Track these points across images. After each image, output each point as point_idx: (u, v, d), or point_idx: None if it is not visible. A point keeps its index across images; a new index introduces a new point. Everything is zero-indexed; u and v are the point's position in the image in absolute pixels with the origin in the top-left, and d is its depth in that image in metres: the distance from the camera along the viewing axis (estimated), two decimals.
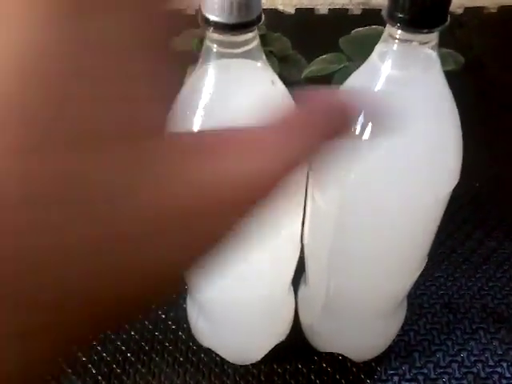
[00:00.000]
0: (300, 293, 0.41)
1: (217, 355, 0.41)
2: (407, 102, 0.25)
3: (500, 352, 0.41)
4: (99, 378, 0.40)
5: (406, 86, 0.25)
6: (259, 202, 0.13)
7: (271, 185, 0.13)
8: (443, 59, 0.50)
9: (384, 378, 0.40)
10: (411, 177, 0.26)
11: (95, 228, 0.11)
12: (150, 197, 0.12)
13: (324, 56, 0.54)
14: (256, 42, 0.24)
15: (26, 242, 0.10)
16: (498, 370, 0.40)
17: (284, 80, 0.57)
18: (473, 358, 0.41)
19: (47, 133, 0.10)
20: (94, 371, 0.40)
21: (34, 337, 0.11)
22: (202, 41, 0.26)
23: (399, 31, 0.23)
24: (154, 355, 0.41)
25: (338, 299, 0.36)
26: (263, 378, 0.40)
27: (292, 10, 0.76)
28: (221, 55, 0.24)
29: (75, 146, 0.11)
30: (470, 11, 0.76)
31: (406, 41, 0.23)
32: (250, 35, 0.23)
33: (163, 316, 0.43)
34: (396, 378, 0.40)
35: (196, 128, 0.25)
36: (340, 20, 0.73)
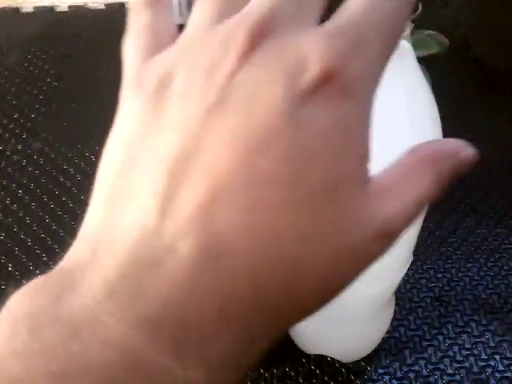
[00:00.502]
0: None
1: None
2: (380, 96, 0.23)
3: (492, 344, 0.40)
4: None
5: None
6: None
7: (402, 228, 0.15)
8: (426, 43, 0.48)
9: (374, 377, 0.39)
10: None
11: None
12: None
13: None
14: None
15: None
16: (491, 363, 0.39)
17: None
18: (465, 353, 0.40)
19: None
20: None
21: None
22: None
23: None
24: None
25: None
26: (250, 383, 0.39)
27: None
28: None
29: None
30: None
31: None
32: None
33: None
34: (387, 377, 0.39)
35: None
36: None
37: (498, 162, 0.52)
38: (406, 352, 0.40)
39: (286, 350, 0.40)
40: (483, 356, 0.39)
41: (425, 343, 0.40)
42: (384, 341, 0.40)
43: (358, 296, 0.32)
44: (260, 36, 0.14)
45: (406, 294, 0.43)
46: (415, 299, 0.43)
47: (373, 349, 0.39)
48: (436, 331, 0.41)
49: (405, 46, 0.23)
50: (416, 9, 0.21)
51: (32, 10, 0.74)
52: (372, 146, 0.23)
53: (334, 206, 0.14)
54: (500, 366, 0.39)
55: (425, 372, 0.39)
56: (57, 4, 0.74)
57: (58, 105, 0.61)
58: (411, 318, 0.42)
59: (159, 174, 0.14)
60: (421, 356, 0.40)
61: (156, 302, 0.12)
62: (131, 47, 0.17)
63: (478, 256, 0.45)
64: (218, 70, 0.14)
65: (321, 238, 0.14)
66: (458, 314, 0.42)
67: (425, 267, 0.45)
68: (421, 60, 0.27)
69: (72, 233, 0.55)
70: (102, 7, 0.74)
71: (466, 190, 0.50)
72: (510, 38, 0.65)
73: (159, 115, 0.15)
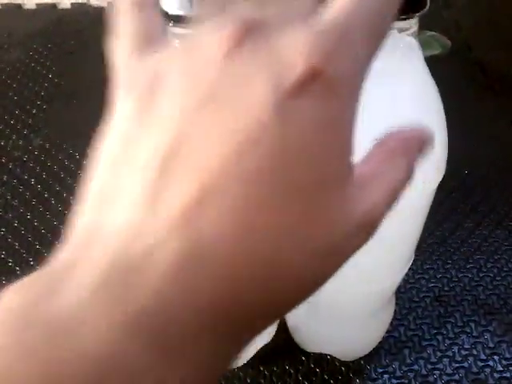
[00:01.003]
0: None
1: None
2: (387, 92, 0.23)
3: (491, 345, 0.40)
4: None
5: (385, 76, 0.23)
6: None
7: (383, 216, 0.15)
8: (429, 43, 0.48)
9: (374, 376, 0.39)
10: None
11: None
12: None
13: None
14: None
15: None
16: (490, 363, 0.39)
17: None
18: (464, 353, 0.40)
19: None
20: None
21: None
22: None
23: None
24: None
25: (322, 299, 0.34)
26: (249, 381, 0.39)
27: None
28: None
29: None
30: None
31: None
32: None
33: None
34: (386, 376, 0.39)
35: None
36: None
37: (498, 164, 0.52)
38: (406, 351, 0.40)
39: (285, 348, 0.40)
40: (482, 356, 0.39)
41: (424, 343, 0.40)
42: (384, 340, 0.40)
43: (360, 295, 0.33)
44: (248, 34, 0.14)
45: (405, 294, 0.43)
46: (415, 299, 0.43)
47: (372, 348, 0.39)
48: (435, 331, 0.41)
49: (412, 43, 0.23)
50: (424, 5, 0.21)
51: (34, 6, 0.74)
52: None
53: (318, 205, 0.14)
54: (499, 366, 0.39)
55: (424, 371, 0.39)
56: (59, 1, 0.75)
57: (59, 101, 0.61)
58: (411, 317, 0.42)
59: (148, 173, 0.14)
60: (420, 355, 0.40)
61: (139, 303, 0.12)
62: (121, 48, 0.17)
63: (477, 257, 0.45)
64: (207, 67, 0.14)
65: (302, 238, 0.14)
66: (457, 315, 0.42)
67: (425, 267, 0.45)
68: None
69: None
70: (105, 5, 0.74)
71: (466, 192, 0.50)
72: (511, 41, 0.65)
73: (150, 114, 0.15)
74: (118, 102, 0.16)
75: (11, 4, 0.74)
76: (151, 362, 0.12)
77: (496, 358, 0.39)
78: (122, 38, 0.17)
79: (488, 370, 0.39)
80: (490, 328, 0.41)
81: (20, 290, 0.13)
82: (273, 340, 0.39)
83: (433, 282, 0.44)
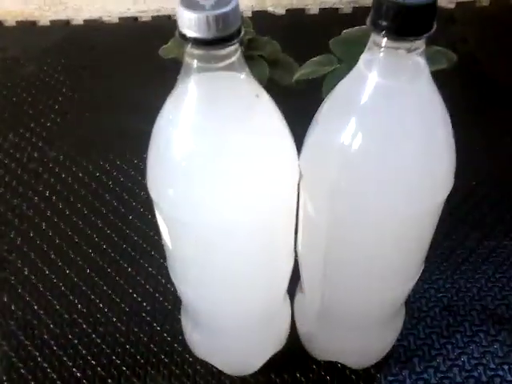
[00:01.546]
0: (296, 301, 0.40)
1: (213, 367, 0.40)
2: (396, 111, 0.24)
3: (501, 354, 0.40)
4: None
5: (394, 95, 0.24)
6: None
7: None
8: (435, 58, 0.49)
9: None
10: (403, 186, 0.25)
11: None
12: None
13: (315, 58, 0.53)
14: (237, 55, 0.23)
15: None
16: (500, 373, 0.39)
17: (275, 84, 0.56)
18: (473, 362, 0.40)
19: None
20: None
21: None
22: None
23: (384, 39, 0.22)
24: (149, 368, 0.40)
25: (334, 307, 0.35)
26: None
27: (282, 11, 0.75)
28: (202, 69, 0.24)
29: None
30: (462, 6, 0.75)
31: (391, 48, 0.23)
32: (230, 49, 0.22)
33: (158, 328, 0.43)
34: None
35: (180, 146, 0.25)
36: (331, 19, 0.73)
37: (506, 176, 0.53)
38: (415, 360, 0.40)
39: (296, 357, 0.40)
40: (492, 366, 0.40)
41: (434, 352, 0.41)
42: (394, 349, 0.40)
43: (372, 303, 0.33)
44: None
45: (415, 304, 0.43)
46: (424, 309, 0.43)
47: (383, 357, 0.40)
48: (445, 340, 0.41)
49: (420, 63, 0.24)
50: (431, 26, 0.22)
51: (48, 23, 0.76)
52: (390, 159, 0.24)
53: None
54: (509, 375, 0.39)
55: (434, 380, 0.39)
56: (72, 18, 0.76)
57: (72, 115, 0.62)
58: (420, 327, 0.42)
59: None
60: (430, 364, 0.40)
61: None
62: None
63: (486, 267, 0.46)
64: None
65: None
66: (466, 324, 0.42)
67: (433, 278, 0.45)
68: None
69: (86, 239, 0.56)
70: (116, 21, 0.76)
71: (473, 203, 0.50)
72: None
73: None
74: None
75: (26, 21, 0.76)
76: None
77: (506, 367, 0.40)
78: None
79: (498, 379, 0.39)
80: (499, 338, 0.41)
81: None
82: (284, 348, 0.40)
83: (442, 292, 0.44)
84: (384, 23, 0.21)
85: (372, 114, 0.24)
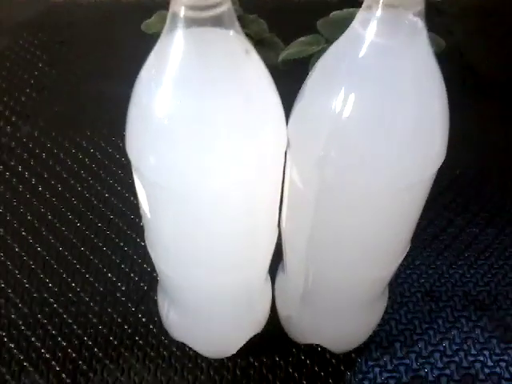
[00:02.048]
0: (277, 282, 0.39)
1: (190, 349, 0.39)
2: (392, 73, 0.23)
3: (482, 340, 0.40)
4: (63, 375, 0.37)
5: (390, 55, 0.23)
6: None
7: None
8: None
9: (365, 369, 0.38)
10: (395, 154, 0.24)
11: None
12: None
13: (302, 38, 0.52)
14: (227, 6, 0.22)
15: None
16: (480, 358, 0.39)
17: None
18: (455, 347, 0.40)
19: None
20: (57, 368, 0.38)
21: None
22: None
23: None
24: (122, 350, 0.39)
25: (317, 288, 0.34)
26: (239, 372, 0.38)
27: None
28: (189, 22, 0.22)
29: None
30: None
31: (390, 6, 0.22)
32: None
33: (133, 309, 0.41)
34: (377, 370, 0.38)
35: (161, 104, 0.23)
36: (318, 4, 0.71)
37: (488, 164, 0.53)
38: (397, 345, 0.40)
39: (276, 340, 0.39)
40: (473, 351, 0.39)
41: (415, 337, 0.40)
42: (375, 334, 0.40)
43: (357, 284, 0.32)
44: None
45: (397, 289, 0.43)
46: (406, 294, 0.43)
47: (364, 341, 0.39)
48: (427, 326, 0.41)
49: (419, 24, 0.23)
50: None
51: None
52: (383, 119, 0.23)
53: None
54: (489, 361, 0.39)
55: (415, 365, 0.39)
56: None
57: (49, 90, 0.60)
58: (402, 312, 0.41)
59: None
60: (411, 349, 0.39)
61: None
62: None
63: (468, 254, 0.45)
64: None
65: None
66: (448, 310, 0.42)
67: (416, 263, 0.45)
68: None
69: (60, 215, 0.54)
70: None
71: (457, 190, 0.50)
72: (501, 46, 0.66)
73: None
74: None
75: None
76: None
77: (486, 353, 0.39)
78: None
79: (478, 364, 0.39)
80: (480, 323, 0.41)
81: None
82: (263, 330, 0.39)
83: (424, 278, 0.44)
84: None
85: (366, 75, 0.23)
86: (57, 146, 0.53)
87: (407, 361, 0.39)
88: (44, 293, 0.42)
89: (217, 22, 0.22)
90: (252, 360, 0.39)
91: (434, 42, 0.51)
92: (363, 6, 0.23)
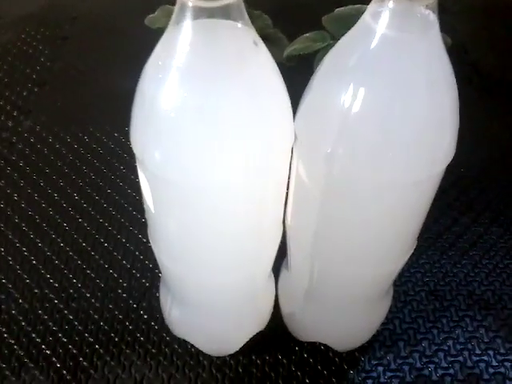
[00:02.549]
0: (281, 279, 0.38)
1: (192, 346, 0.38)
2: (403, 65, 0.23)
3: (486, 340, 0.40)
4: (64, 372, 0.37)
5: (401, 49, 0.22)
6: None
7: None
8: None
9: (368, 368, 0.38)
10: (404, 149, 0.24)
11: None
12: None
13: (307, 34, 0.51)
14: None
15: None
16: (485, 358, 0.39)
17: None
18: (459, 347, 0.39)
19: None
20: (58, 365, 0.37)
21: None
22: None
23: None
24: (123, 347, 0.38)
25: (321, 285, 0.34)
26: (241, 370, 0.38)
27: None
28: (197, 12, 0.22)
29: None
30: None
31: None
32: None
33: (134, 306, 0.41)
34: (380, 368, 0.38)
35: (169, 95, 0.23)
36: (322, 0, 0.71)
37: (493, 163, 0.52)
38: (401, 344, 0.39)
39: (278, 337, 0.39)
40: (477, 351, 0.39)
41: (419, 336, 0.40)
42: (378, 332, 0.39)
43: (363, 281, 0.32)
44: None
45: (401, 287, 0.42)
46: (410, 293, 0.42)
47: (367, 340, 0.39)
48: (431, 325, 0.40)
49: (431, 17, 0.22)
50: None
51: None
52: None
53: None
54: (493, 361, 0.38)
55: (419, 365, 0.38)
56: None
57: (51, 85, 0.59)
58: (406, 310, 0.41)
59: None
60: (415, 349, 0.39)
61: None
62: None
63: (473, 253, 0.45)
64: None
65: None
66: (452, 309, 0.41)
67: (420, 262, 0.44)
68: None
69: (61, 211, 0.54)
70: None
71: (462, 189, 0.50)
72: (506, 44, 0.66)
73: None
74: None
75: None
76: None
77: (491, 352, 0.39)
78: None
79: (483, 364, 0.38)
80: (485, 323, 0.40)
81: None
82: (266, 328, 0.38)
83: (428, 277, 0.43)
84: None
85: (377, 69, 0.23)
86: (59, 141, 0.53)
87: (411, 360, 0.38)
88: (45, 288, 0.41)
89: (225, 13, 0.22)
90: (254, 358, 0.38)
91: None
92: None
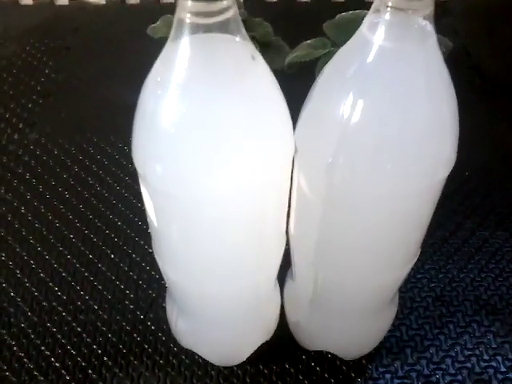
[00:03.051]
0: (286, 289, 0.39)
1: (199, 357, 0.38)
2: (400, 76, 0.23)
3: (494, 346, 0.39)
4: None
5: (398, 59, 0.22)
6: None
7: None
8: None
9: (375, 375, 0.38)
10: (404, 159, 0.24)
11: None
12: None
13: (308, 41, 0.51)
14: (233, 12, 0.22)
15: None
16: (493, 364, 0.39)
17: None
18: (467, 353, 0.39)
19: None
20: (67, 377, 0.38)
21: None
22: None
23: None
24: (132, 358, 0.39)
25: (326, 294, 0.34)
26: (249, 380, 0.38)
27: None
28: (194, 28, 0.22)
29: None
30: None
31: (399, 9, 0.21)
32: (224, 3, 0.21)
33: (142, 317, 0.41)
34: (388, 376, 0.38)
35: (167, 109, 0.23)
36: (323, 7, 0.71)
37: (497, 166, 0.52)
38: (408, 351, 0.39)
39: (285, 347, 0.39)
40: (485, 357, 0.39)
41: (426, 342, 0.40)
42: (385, 339, 0.39)
43: (367, 289, 0.32)
44: None
45: (407, 294, 0.42)
46: (417, 299, 0.42)
47: (374, 347, 0.39)
48: (438, 331, 0.40)
49: (428, 28, 0.22)
50: None
51: (31, 2, 0.73)
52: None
53: None
54: (502, 367, 0.38)
55: (426, 371, 0.38)
56: None
57: (55, 96, 0.60)
58: (413, 317, 0.41)
59: None
60: (422, 355, 0.39)
61: None
62: None
63: (478, 257, 0.45)
64: None
65: None
66: (459, 315, 0.41)
67: (426, 267, 0.44)
68: None
69: (68, 223, 0.54)
70: (103, 2, 0.73)
71: (466, 193, 0.50)
72: (508, 47, 0.66)
73: None
74: None
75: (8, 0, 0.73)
76: None
77: (499, 358, 0.39)
78: None
79: (491, 370, 0.38)
80: (492, 328, 0.40)
81: None
82: (272, 338, 0.38)
83: (434, 282, 0.43)
84: None
85: (374, 80, 0.23)
86: (64, 153, 0.53)
87: (418, 367, 0.38)
88: (53, 301, 0.42)
89: (223, 27, 0.22)
90: (262, 367, 0.38)
91: (441, 44, 0.50)
92: (371, 9, 0.23)
